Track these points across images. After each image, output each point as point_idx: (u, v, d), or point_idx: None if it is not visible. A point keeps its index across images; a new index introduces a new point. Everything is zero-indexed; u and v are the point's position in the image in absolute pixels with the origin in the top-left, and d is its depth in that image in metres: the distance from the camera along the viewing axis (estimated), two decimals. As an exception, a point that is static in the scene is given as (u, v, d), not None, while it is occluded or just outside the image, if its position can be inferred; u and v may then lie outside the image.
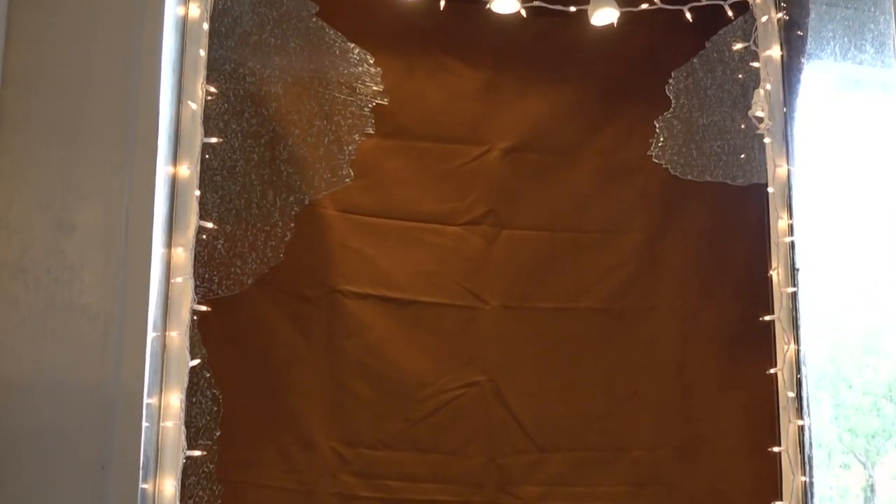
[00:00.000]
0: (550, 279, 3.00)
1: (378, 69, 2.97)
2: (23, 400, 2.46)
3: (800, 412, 2.99)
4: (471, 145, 3.02)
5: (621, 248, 3.04)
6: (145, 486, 2.46)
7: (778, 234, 3.07)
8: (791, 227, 3.07)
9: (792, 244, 3.07)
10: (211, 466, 2.60)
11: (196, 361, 2.62)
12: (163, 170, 2.59)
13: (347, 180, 2.90)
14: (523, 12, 3.02)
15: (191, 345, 2.62)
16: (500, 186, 3.01)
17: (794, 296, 3.03)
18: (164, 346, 2.59)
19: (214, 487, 2.61)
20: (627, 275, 3.03)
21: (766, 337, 3.04)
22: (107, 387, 2.45)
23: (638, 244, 3.05)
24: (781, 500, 2.94)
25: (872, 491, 4.28)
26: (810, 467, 2.97)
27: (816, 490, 2.98)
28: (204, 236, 2.72)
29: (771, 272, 3.05)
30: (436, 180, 2.98)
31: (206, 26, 2.77)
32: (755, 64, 3.15)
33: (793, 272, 3.06)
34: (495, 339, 2.93)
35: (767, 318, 3.02)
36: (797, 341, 3.03)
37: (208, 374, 2.66)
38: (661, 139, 3.11)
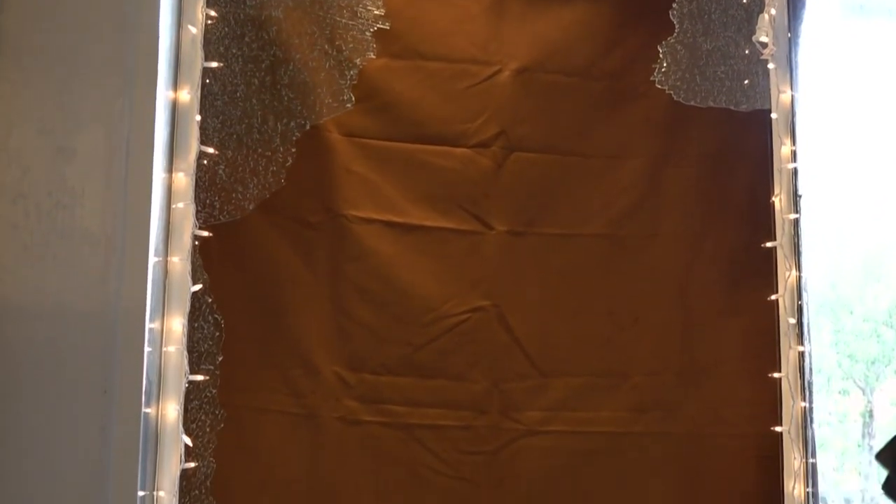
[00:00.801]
0: (556, 205, 2.99)
1: (379, -7, 2.95)
2: (24, 324, 2.47)
3: (800, 338, 3.00)
4: (480, 66, 2.99)
5: (625, 174, 3.03)
6: (148, 410, 2.48)
7: (781, 161, 3.07)
8: (794, 154, 3.06)
9: (795, 171, 3.06)
10: (213, 391, 2.62)
11: (198, 287, 2.63)
12: (163, 95, 2.58)
13: (349, 105, 2.88)
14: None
15: (192, 270, 2.62)
16: (511, 107, 2.99)
17: (795, 222, 3.03)
18: (165, 272, 2.59)
19: (217, 412, 2.62)
20: (630, 201, 3.02)
21: (767, 263, 3.04)
22: (108, 311, 2.46)
23: (641, 170, 3.04)
24: (781, 424, 2.96)
25: (871, 416, 4.31)
26: (810, 393, 2.99)
27: (815, 415, 3.00)
28: (205, 161, 2.71)
29: (773, 199, 3.04)
30: (444, 102, 2.95)
31: (205, -51, 2.75)
32: (760, -12, 3.13)
33: (795, 199, 3.05)
34: (500, 265, 2.93)
35: (769, 244, 3.02)
36: (798, 268, 3.03)
37: (210, 300, 2.67)
38: (665, 64, 3.09)
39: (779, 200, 3.04)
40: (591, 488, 2.92)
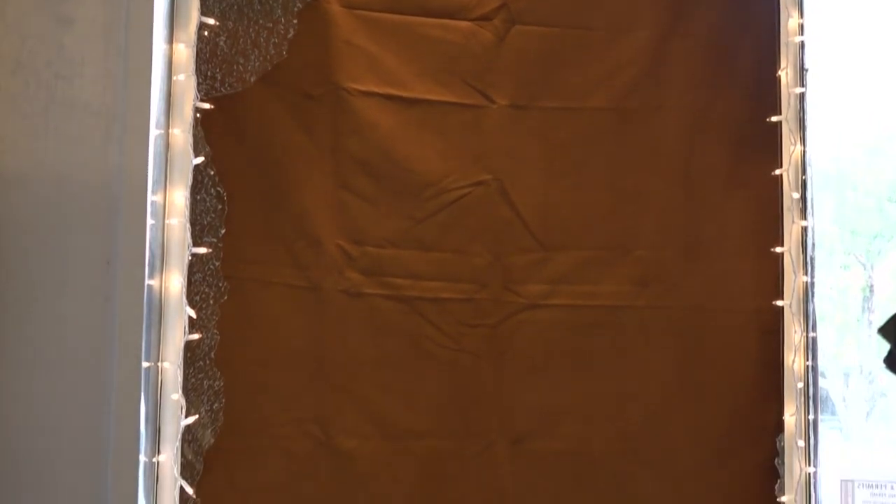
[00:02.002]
0: (558, 78, 2.96)
1: None
2: (26, 196, 2.47)
3: (803, 213, 2.99)
4: (481, -62, 2.95)
5: (629, 47, 2.99)
6: (151, 282, 2.49)
7: (788, 34, 3.02)
8: (801, 27, 3.02)
9: (802, 44, 3.02)
10: (216, 263, 2.62)
11: (200, 159, 2.62)
12: (162, -37, 2.54)
13: (349, -23, 2.83)
14: None
15: (194, 142, 2.61)
16: (514, -23, 2.94)
17: (801, 97, 3.00)
18: (167, 144, 2.58)
19: (220, 284, 2.63)
20: (634, 74, 2.99)
21: (772, 137, 3.02)
22: (110, 183, 2.45)
23: (645, 43, 3.00)
24: (782, 299, 2.97)
25: (871, 291, 4.33)
26: (812, 267, 2.99)
27: (817, 290, 3.01)
28: (206, 33, 2.68)
29: (779, 72, 3.01)
30: (446, -29, 2.91)
31: None
32: None
33: (801, 72, 3.02)
34: (502, 139, 2.92)
35: (774, 118, 3.00)
36: (803, 142, 3.01)
37: (212, 172, 2.66)
38: (671, -67, 3.03)
39: (785, 74, 3.01)
40: (591, 361, 2.94)
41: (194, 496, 2.51)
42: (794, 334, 2.97)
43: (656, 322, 2.95)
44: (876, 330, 3.02)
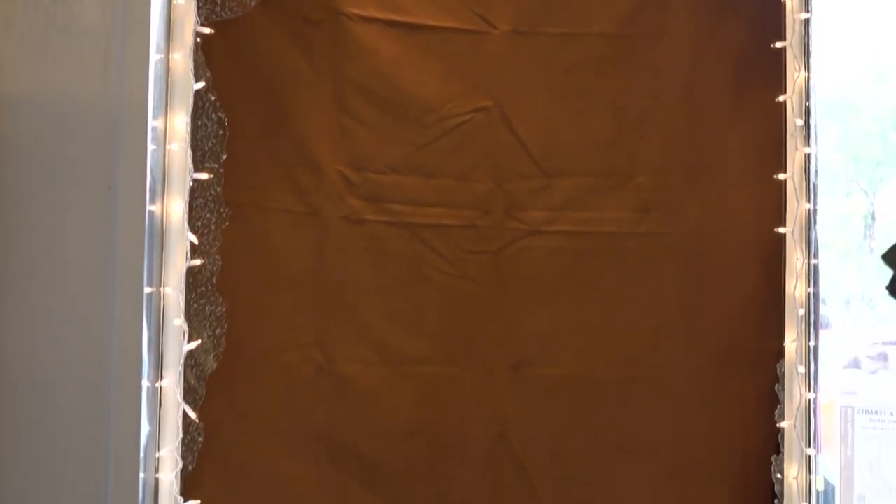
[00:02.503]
0: (561, 3, 2.93)
1: None
2: (26, 121, 2.46)
3: (807, 140, 2.98)
4: None
5: (632, -29, 2.97)
6: (152, 207, 2.48)
7: (793, -42, 3.00)
8: (807, -49, 2.99)
9: (807, -32, 3.00)
10: (218, 189, 2.62)
11: (201, 84, 2.60)
12: None
13: None
14: None
15: (195, 67, 2.59)
16: None
17: (806, 22, 2.97)
18: (167, 69, 2.56)
19: (222, 210, 2.63)
20: (637, -1, 2.97)
21: (776, 64, 3.00)
22: (111, 108, 2.44)
23: (649, -33, 2.98)
24: (784, 225, 2.97)
25: (873, 218, 4.33)
26: (814, 194, 2.99)
27: (819, 217, 3.01)
28: (205, -44, 2.66)
29: (784, -3, 2.99)
30: None
31: None
32: None
33: (806, -3, 3.00)
34: (504, 65, 2.90)
35: (779, 44, 2.97)
36: (808, 68, 2.99)
37: (213, 97, 2.64)
38: None
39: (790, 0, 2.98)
40: (592, 288, 2.95)
41: (197, 420, 2.52)
42: (795, 261, 2.97)
43: (658, 248, 2.95)
44: (879, 256, 3.02)
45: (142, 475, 2.43)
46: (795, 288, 2.96)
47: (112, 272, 2.44)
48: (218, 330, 2.58)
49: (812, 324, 2.97)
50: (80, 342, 2.58)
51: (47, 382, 2.59)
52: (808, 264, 2.96)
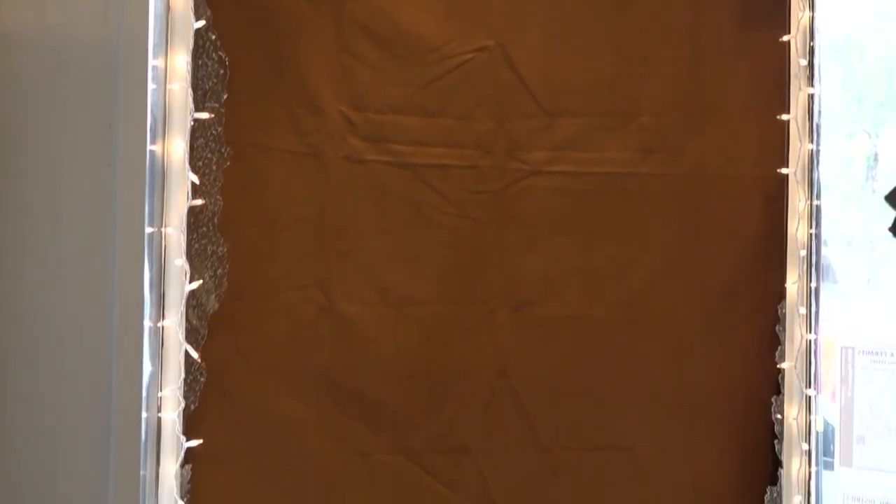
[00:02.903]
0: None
1: None
2: (25, 58, 2.45)
3: (810, 80, 2.98)
4: None
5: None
6: (153, 147, 2.47)
7: None
8: None
9: None
10: (219, 129, 2.60)
11: (201, 23, 2.58)
12: None
13: None
14: None
15: (195, 6, 2.57)
16: None
17: (810, -39, 2.96)
18: (167, 7, 2.54)
19: (223, 149, 2.61)
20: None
21: (780, 3, 2.99)
22: (110, 47, 2.43)
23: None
24: (787, 166, 2.96)
25: (876, 160, 4.31)
26: (817, 135, 2.98)
27: (822, 158, 3.00)
28: None
29: (789, -65, 2.96)
30: None
31: None
32: None
33: (811, -65, 2.98)
34: (506, 4, 2.87)
35: (783, -18, 2.95)
36: (812, 8, 2.98)
37: (213, 37, 2.61)
38: None
39: (794, -63, 2.96)
40: (594, 228, 2.95)
41: (199, 360, 2.52)
42: (797, 202, 2.97)
43: (660, 189, 2.95)
44: (883, 198, 3.02)
45: (144, 415, 2.44)
46: (797, 229, 2.97)
47: (113, 212, 2.44)
48: (219, 270, 2.58)
49: (814, 265, 2.97)
50: (81, 283, 2.58)
51: (49, 323, 2.59)
52: (811, 205, 2.97)
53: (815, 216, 2.98)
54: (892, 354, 2.92)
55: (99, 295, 2.49)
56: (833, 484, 3.05)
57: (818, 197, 2.99)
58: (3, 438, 2.74)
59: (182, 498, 2.48)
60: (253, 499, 2.65)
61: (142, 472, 2.44)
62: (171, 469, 2.47)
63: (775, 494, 2.98)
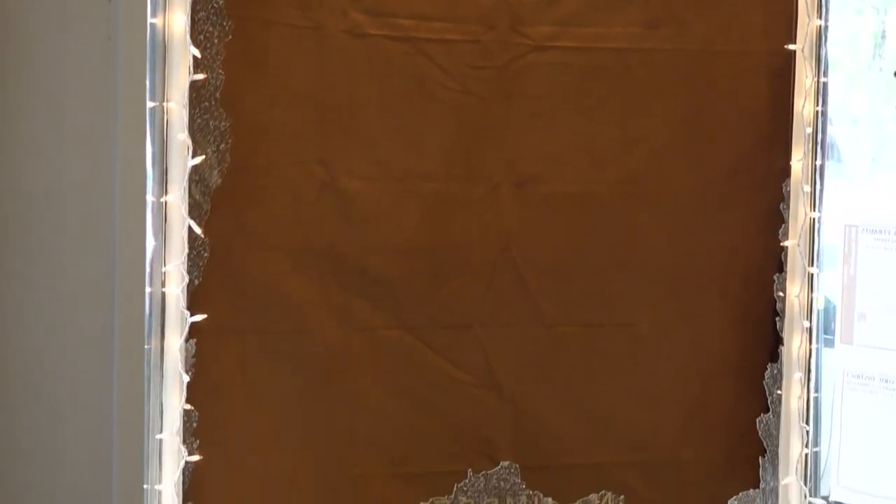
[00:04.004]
0: None
1: None
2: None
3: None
4: None
5: None
6: (154, 20, 2.45)
7: None
8: None
9: None
10: (220, 1, 2.56)
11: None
12: None
13: None
14: None
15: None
16: None
17: None
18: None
19: (224, 23, 2.58)
20: None
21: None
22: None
23: None
24: (794, 42, 2.94)
25: (883, 37, 4.26)
26: (826, 11, 2.96)
27: (830, 35, 2.98)
28: None
29: None
30: None
31: None
32: None
33: None
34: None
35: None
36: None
37: None
38: None
39: None
40: (598, 104, 2.93)
41: (202, 236, 2.53)
42: (804, 79, 2.95)
43: (665, 64, 2.93)
44: (892, 74, 3.01)
45: (148, 290, 2.45)
46: (804, 106, 2.95)
47: (114, 86, 2.43)
48: (222, 145, 2.57)
49: (819, 143, 2.97)
50: (83, 158, 2.58)
51: (51, 196, 2.59)
52: (818, 82, 2.95)
53: (821, 93, 2.97)
54: (894, 232, 2.92)
55: (102, 170, 2.49)
56: (833, 361, 3.07)
57: (825, 74, 2.97)
58: (4, 310, 2.76)
59: (187, 372, 2.50)
60: (256, 373, 2.68)
61: (146, 347, 2.46)
62: (175, 343, 2.49)
63: (775, 371, 3.00)
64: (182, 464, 2.50)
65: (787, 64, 2.96)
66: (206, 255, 2.54)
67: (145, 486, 2.47)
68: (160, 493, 2.49)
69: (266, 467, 2.70)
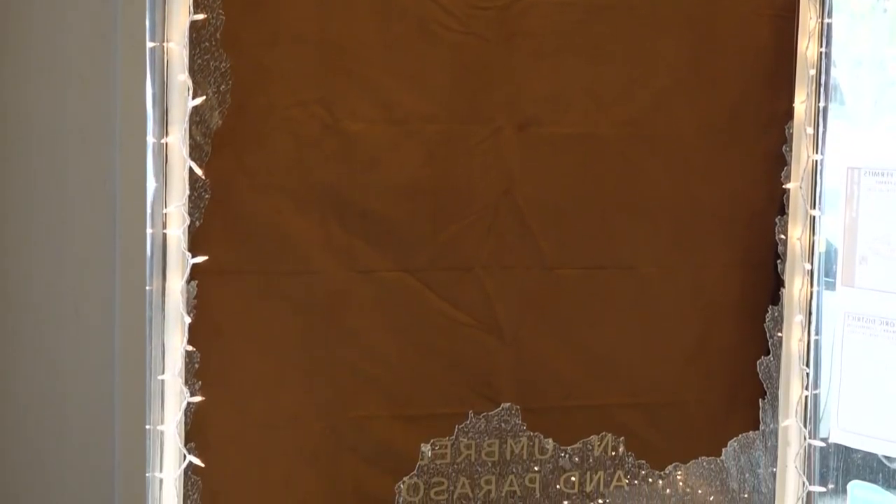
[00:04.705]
0: None
1: None
2: None
3: None
4: None
5: None
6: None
7: None
8: None
9: None
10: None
11: None
12: None
13: None
14: None
15: None
16: None
17: None
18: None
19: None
20: None
21: None
22: None
23: None
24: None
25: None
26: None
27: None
28: None
29: None
30: None
31: None
32: None
33: None
34: None
35: None
36: None
37: None
38: None
39: None
40: (601, 46, 2.91)
41: (203, 177, 2.52)
42: (808, 20, 2.93)
43: (669, 4, 2.91)
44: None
45: (149, 231, 2.45)
46: (807, 47, 2.94)
47: (114, 26, 2.41)
48: (223, 86, 2.55)
49: (822, 84, 2.95)
50: (82, 98, 2.57)
51: (52, 136, 2.58)
52: (822, 23, 2.93)
53: (825, 35, 2.95)
54: (897, 175, 2.91)
55: (102, 110, 2.48)
56: (834, 303, 3.08)
57: (829, 15, 2.95)
58: (5, 245, 2.76)
59: (188, 313, 2.50)
60: (257, 315, 2.68)
61: (148, 287, 2.46)
62: (177, 285, 2.49)
63: (776, 314, 3.01)
64: (184, 405, 2.51)
65: (791, 4, 2.95)
66: (207, 196, 2.54)
67: (147, 427, 2.48)
68: (162, 433, 2.50)
69: (267, 408, 2.72)
